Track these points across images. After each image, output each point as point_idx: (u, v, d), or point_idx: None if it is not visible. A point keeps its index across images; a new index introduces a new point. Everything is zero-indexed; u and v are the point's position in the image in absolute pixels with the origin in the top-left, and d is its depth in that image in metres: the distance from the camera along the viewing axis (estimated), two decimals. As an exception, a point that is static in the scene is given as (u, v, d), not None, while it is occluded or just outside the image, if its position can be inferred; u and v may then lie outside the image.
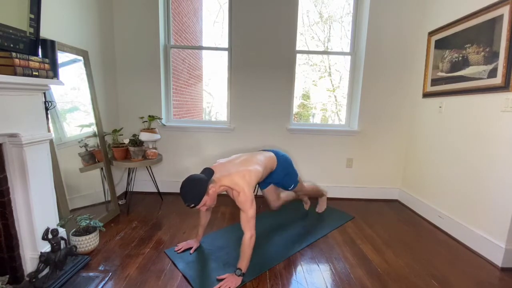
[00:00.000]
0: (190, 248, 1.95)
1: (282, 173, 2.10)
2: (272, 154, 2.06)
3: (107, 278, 1.63)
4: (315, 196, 2.63)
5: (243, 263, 1.61)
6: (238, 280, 1.59)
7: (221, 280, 1.61)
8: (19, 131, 1.41)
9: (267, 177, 2.06)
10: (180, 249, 1.94)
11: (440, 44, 2.52)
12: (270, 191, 2.22)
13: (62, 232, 1.71)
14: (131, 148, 2.51)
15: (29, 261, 1.54)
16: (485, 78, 2.04)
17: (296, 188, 2.26)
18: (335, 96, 6.61)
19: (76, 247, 1.75)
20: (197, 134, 3.06)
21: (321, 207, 2.67)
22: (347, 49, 3.15)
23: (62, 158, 1.97)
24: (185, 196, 1.54)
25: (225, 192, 1.76)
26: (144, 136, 2.60)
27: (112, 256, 1.86)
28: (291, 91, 2.99)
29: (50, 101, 1.74)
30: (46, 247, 1.60)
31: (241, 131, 3.05)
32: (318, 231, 2.31)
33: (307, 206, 2.74)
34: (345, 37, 6.04)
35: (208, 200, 1.58)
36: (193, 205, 1.55)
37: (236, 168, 1.72)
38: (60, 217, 1.77)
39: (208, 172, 1.64)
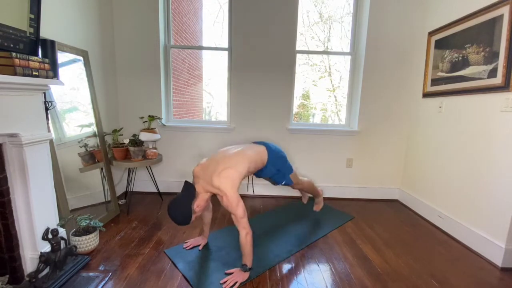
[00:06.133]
0: (199, 245, 2.00)
1: (273, 169, 2.05)
2: (263, 149, 1.99)
3: (107, 278, 1.63)
4: (311, 193, 2.60)
5: (247, 259, 1.65)
6: (245, 275, 1.64)
7: (229, 274, 1.65)
8: (19, 131, 1.41)
9: (259, 171, 2.04)
10: (189, 246, 1.98)
11: (440, 44, 2.52)
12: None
13: (62, 232, 1.71)
14: (131, 148, 2.51)
15: (29, 261, 1.54)
16: (485, 78, 2.03)
17: (291, 184, 2.21)
18: (335, 96, 6.60)
19: (76, 247, 1.75)
20: (197, 134, 3.06)
21: (319, 206, 2.65)
22: (347, 49, 3.15)
23: (62, 158, 1.97)
24: (175, 221, 1.63)
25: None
26: (144, 136, 2.60)
27: (112, 256, 1.86)
28: (291, 91, 2.99)
29: (50, 101, 1.74)
30: (46, 247, 1.60)
31: (241, 131, 3.05)
32: (318, 231, 2.31)
33: (305, 199, 2.75)
34: (345, 37, 6.03)
35: (198, 211, 1.69)
36: (186, 225, 1.67)
37: (221, 166, 1.66)
38: (60, 217, 1.77)
39: (189, 188, 1.67)
